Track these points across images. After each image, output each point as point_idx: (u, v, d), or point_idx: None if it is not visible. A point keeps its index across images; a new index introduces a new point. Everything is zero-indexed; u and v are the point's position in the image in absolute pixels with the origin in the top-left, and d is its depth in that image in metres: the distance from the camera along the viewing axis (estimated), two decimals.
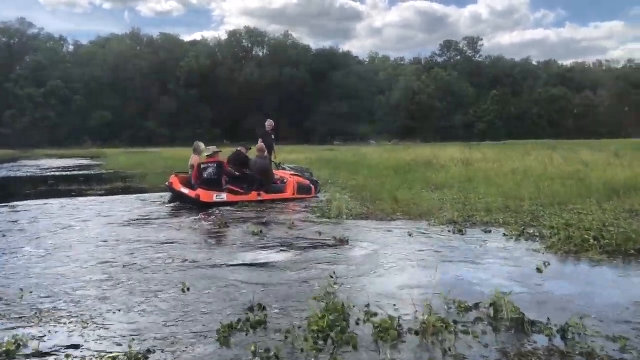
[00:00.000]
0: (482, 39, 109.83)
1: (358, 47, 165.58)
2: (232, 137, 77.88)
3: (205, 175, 10.57)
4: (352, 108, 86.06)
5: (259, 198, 11.18)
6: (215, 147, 11.44)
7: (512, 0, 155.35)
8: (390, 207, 8.84)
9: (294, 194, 11.51)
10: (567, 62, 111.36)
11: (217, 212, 9.57)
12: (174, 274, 5.13)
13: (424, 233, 7.00)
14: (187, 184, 10.92)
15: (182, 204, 10.51)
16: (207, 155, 11.04)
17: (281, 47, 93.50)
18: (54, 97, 76.22)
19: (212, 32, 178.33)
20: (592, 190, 9.54)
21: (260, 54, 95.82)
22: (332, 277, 4.64)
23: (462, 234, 6.88)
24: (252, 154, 12.14)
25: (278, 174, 12.40)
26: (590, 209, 8.06)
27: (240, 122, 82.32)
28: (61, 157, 44.31)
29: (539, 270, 5.08)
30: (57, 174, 22.90)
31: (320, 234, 7.00)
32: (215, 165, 10.77)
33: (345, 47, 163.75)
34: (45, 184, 16.73)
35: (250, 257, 5.86)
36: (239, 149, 12.26)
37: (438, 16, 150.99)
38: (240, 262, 5.61)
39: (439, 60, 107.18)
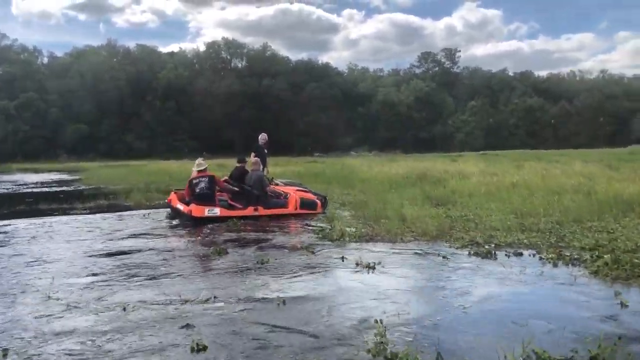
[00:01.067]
0: (459, 50, 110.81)
1: (335, 58, 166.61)
2: (210, 149, 77.13)
3: (197, 190, 10.42)
4: (331, 119, 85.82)
5: (256, 213, 10.76)
6: (203, 160, 11.13)
7: (485, 12, 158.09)
8: (397, 226, 8.36)
9: (296, 209, 11.02)
10: (542, 73, 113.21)
11: (209, 233, 9.05)
12: (177, 320, 4.25)
13: (450, 258, 6.50)
14: (183, 199, 10.93)
15: (181, 221, 10.46)
16: (197, 170, 10.78)
17: (260, 59, 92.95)
18: (27, 110, 74.48)
19: (188, 43, 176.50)
20: (604, 205, 9.21)
21: (239, 65, 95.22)
22: (379, 323, 3.92)
23: (494, 258, 6.40)
24: (248, 166, 12.05)
25: (280, 189, 11.91)
26: (610, 226, 7.71)
27: (219, 134, 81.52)
28: (36, 171, 42.98)
29: (623, 304, 4.43)
30: (35, 190, 22.00)
31: (343, 258, 6.52)
32: (207, 179, 10.56)
33: (322, 58, 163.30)
34: (22, 202, 15.91)
35: (263, 292, 5.20)
36: (238, 164, 12.13)
37: (413, 28, 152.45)
38: (255, 299, 4.91)
39: (417, 71, 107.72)
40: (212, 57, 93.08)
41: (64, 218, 11.28)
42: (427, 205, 10.54)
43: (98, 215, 11.69)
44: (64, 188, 22.49)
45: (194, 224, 10.00)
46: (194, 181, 10.58)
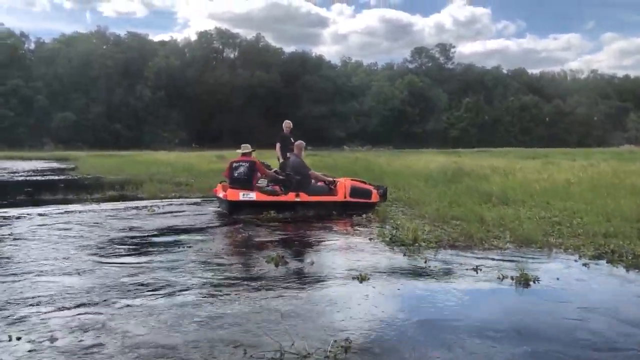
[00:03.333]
0: (454, 46, 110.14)
1: (324, 52, 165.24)
2: (200, 140, 75.58)
3: (236, 174, 9.76)
4: (324, 113, 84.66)
5: (297, 199, 9.67)
6: (248, 145, 10.31)
7: (474, 10, 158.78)
8: (477, 229, 7.23)
9: (345, 197, 9.81)
10: (533, 71, 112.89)
11: (256, 233, 7.89)
12: None
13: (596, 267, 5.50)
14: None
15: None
16: (242, 153, 10.04)
17: (253, 49, 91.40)
18: (13, 97, 72.29)
19: (176, 34, 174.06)
20: None
21: (231, 55, 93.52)
22: None
23: None
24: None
25: (329, 176, 10.73)
26: None
27: (209, 125, 80.00)
28: (24, 159, 41.35)
29: None
30: (30, 179, 20.62)
31: (477, 270, 5.41)
32: (247, 164, 9.77)
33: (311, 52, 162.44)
34: (21, 192, 14.59)
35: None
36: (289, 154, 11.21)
37: (402, 24, 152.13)
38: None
39: (410, 66, 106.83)
40: (204, 46, 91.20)
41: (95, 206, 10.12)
42: (488, 204, 9.43)
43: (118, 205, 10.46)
44: (61, 177, 21.12)
45: (230, 209, 9.45)
46: (234, 164, 9.92)
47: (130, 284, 4.86)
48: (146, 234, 7.60)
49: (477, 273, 5.31)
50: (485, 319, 4.03)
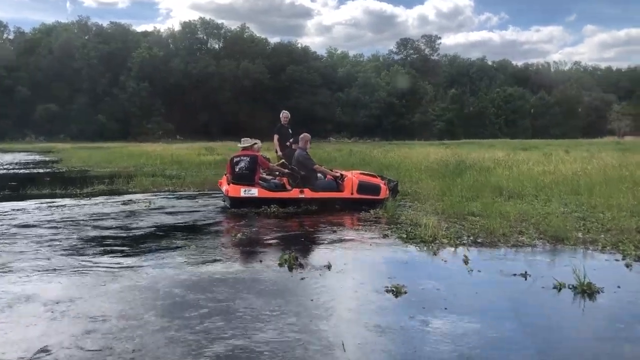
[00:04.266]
0: (440, 37, 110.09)
1: (308, 43, 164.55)
2: (185, 132, 74.60)
3: (237, 170, 9.38)
4: (310, 104, 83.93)
5: (301, 196, 9.29)
6: (250, 139, 9.91)
7: (457, 2, 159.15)
8: (499, 225, 6.85)
9: (352, 194, 9.37)
10: (517, 63, 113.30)
11: (264, 230, 7.44)
12: None
13: None
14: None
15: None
16: (242, 148, 9.64)
17: (238, 40, 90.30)
18: None
19: (158, 24, 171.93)
20: None
21: (216, 46, 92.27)
22: None
23: None
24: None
25: (337, 171, 10.28)
26: None
27: (195, 117, 78.95)
28: (5, 151, 40.35)
29: None
30: (13, 171, 19.93)
31: (526, 276, 4.92)
32: (248, 159, 9.36)
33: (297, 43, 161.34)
34: (4, 186, 13.96)
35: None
36: (294, 146, 10.82)
37: (386, 16, 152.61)
38: None
39: (396, 57, 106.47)
40: (188, 37, 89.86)
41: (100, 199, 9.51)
42: (499, 198, 9.08)
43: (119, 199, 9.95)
44: (47, 170, 20.43)
45: (232, 205, 9.18)
46: (235, 159, 9.51)
47: (136, 293, 4.42)
48: (145, 232, 7.16)
49: (525, 279, 4.88)
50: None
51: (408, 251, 5.99)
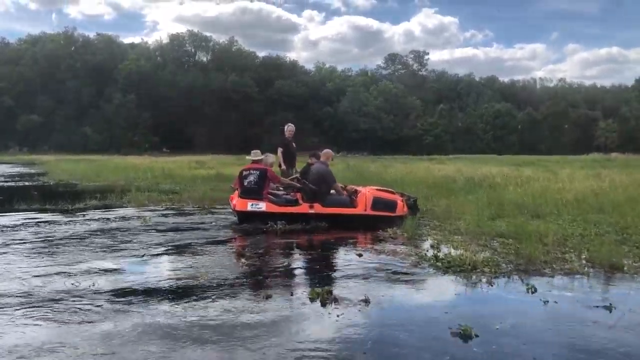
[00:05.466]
0: (427, 53, 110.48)
1: (295, 58, 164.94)
2: (171, 145, 73.63)
3: (245, 184, 8.94)
4: (298, 118, 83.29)
5: (311, 211, 8.70)
6: (259, 151, 9.54)
7: (442, 19, 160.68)
8: (538, 250, 6.22)
9: (366, 210, 8.78)
10: (504, 79, 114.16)
11: (263, 252, 6.83)
12: None
13: None
14: None
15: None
16: (252, 160, 9.24)
17: (226, 53, 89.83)
18: None
19: (145, 37, 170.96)
20: None
21: (204, 59, 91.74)
22: None
23: None
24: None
25: (352, 187, 9.71)
26: None
27: (181, 129, 78.11)
28: None
29: None
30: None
31: (610, 308, 4.30)
32: (257, 173, 8.91)
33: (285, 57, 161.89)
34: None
35: None
36: (309, 160, 10.24)
37: (372, 31, 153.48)
38: None
39: (384, 72, 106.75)
40: (176, 49, 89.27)
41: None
42: (521, 217, 8.55)
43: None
44: (33, 183, 19.61)
45: (240, 220, 8.75)
46: (244, 172, 9.08)
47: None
48: (146, 250, 6.51)
49: (610, 312, 4.29)
50: None
51: (451, 282, 5.30)
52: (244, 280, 5.38)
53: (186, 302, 4.46)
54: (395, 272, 5.67)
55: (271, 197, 8.98)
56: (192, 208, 11.26)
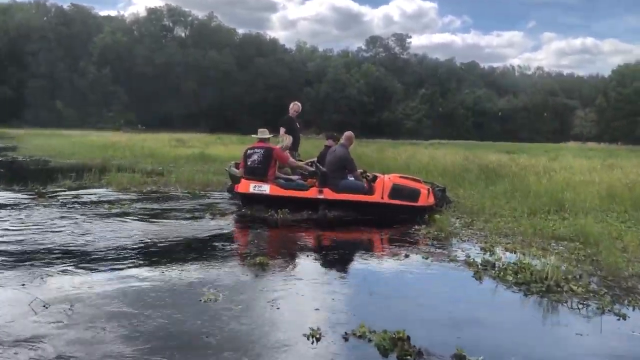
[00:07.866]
0: (410, 36, 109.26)
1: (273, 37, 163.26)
2: (147, 122, 71.33)
3: (249, 163, 8.30)
4: (278, 99, 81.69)
5: (320, 196, 7.79)
6: (266, 130, 8.71)
7: (421, 4, 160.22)
8: (619, 258, 5.22)
9: (382, 198, 7.81)
10: (485, 66, 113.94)
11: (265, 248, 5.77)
12: None
13: None
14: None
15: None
16: (258, 138, 8.58)
17: (205, 29, 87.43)
18: None
19: (121, 11, 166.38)
20: None
21: (183, 34, 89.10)
22: None
23: None
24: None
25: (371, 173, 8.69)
26: None
27: (158, 106, 75.84)
28: None
29: None
30: None
31: None
32: (262, 151, 8.16)
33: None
34: None
35: None
36: (326, 143, 9.62)
37: (352, 14, 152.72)
38: None
39: (365, 55, 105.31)
40: (154, 23, 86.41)
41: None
42: (560, 214, 7.61)
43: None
44: (1, 158, 18.15)
45: (242, 202, 8.15)
46: (249, 151, 8.40)
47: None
48: (133, 246, 5.40)
49: None
50: None
51: (544, 309, 4.10)
52: (269, 306, 4.30)
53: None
54: (451, 287, 4.63)
55: (281, 180, 8.00)
56: (180, 193, 10.09)
